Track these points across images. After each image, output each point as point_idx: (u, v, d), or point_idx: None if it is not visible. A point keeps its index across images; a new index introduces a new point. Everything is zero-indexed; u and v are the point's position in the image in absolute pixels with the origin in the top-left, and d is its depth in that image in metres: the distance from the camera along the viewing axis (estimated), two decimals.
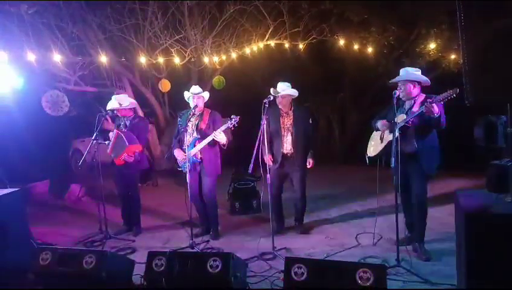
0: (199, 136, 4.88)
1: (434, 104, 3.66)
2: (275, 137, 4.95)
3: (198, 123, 4.95)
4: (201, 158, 4.92)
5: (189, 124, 4.92)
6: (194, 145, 4.87)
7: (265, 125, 4.44)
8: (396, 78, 4.12)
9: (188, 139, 4.84)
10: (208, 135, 4.80)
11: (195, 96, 4.93)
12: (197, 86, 5.06)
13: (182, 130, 4.81)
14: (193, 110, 4.86)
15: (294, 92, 4.94)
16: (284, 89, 4.87)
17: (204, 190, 5.03)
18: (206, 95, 5.08)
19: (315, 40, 8.24)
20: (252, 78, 9.99)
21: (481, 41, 2.67)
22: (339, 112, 11.36)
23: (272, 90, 4.83)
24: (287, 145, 4.94)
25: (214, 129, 4.82)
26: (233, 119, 4.65)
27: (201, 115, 4.99)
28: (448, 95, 3.60)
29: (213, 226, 5.17)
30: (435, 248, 4.23)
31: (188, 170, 4.76)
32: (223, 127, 4.73)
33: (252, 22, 8.10)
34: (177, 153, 4.99)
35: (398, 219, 3.92)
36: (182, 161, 4.93)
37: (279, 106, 4.97)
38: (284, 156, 4.95)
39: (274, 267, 4.06)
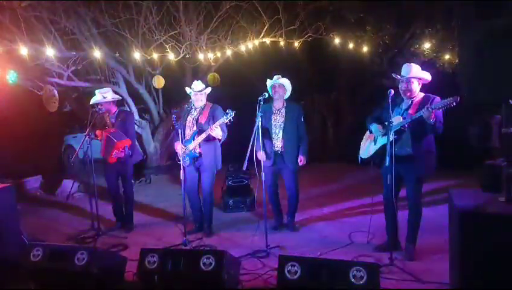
0: (198, 130, 4.89)
1: (434, 111, 3.60)
2: (266, 134, 4.95)
3: (198, 117, 4.96)
4: (199, 153, 4.92)
5: (189, 118, 4.97)
6: (194, 139, 4.88)
7: (259, 123, 4.45)
8: (407, 74, 3.96)
9: (187, 133, 4.91)
10: (206, 129, 4.80)
11: (198, 93, 4.94)
12: (200, 82, 5.05)
13: (177, 126, 4.79)
14: (190, 106, 4.94)
15: (288, 85, 4.95)
16: (279, 78, 4.91)
17: (202, 185, 5.06)
18: (209, 90, 5.08)
19: (310, 38, 8.23)
20: (247, 76, 9.96)
21: (476, 42, 2.68)
22: (333, 111, 11.36)
23: (268, 81, 4.93)
24: (278, 143, 4.97)
25: (213, 123, 4.83)
26: (229, 114, 4.65)
27: (202, 109, 5.00)
28: (448, 103, 3.50)
29: (207, 223, 5.16)
30: (427, 247, 4.24)
31: (186, 165, 4.80)
32: (219, 122, 4.72)
33: (248, 19, 8.07)
34: (177, 147, 4.97)
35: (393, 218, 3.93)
36: (182, 155, 4.91)
37: (274, 97, 4.98)
38: (276, 153, 4.98)
39: (267, 265, 4.06)
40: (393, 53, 9.13)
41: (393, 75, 4.10)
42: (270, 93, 4.98)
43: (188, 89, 5.05)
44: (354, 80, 10.31)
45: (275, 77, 4.98)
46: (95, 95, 5.34)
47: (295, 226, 5.23)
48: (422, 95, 4.01)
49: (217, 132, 4.75)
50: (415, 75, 3.96)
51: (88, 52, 7.38)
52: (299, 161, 4.97)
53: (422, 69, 4.05)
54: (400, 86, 4.02)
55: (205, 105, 5.03)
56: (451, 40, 7.90)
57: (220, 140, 4.91)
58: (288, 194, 5.16)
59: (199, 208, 5.18)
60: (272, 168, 4.99)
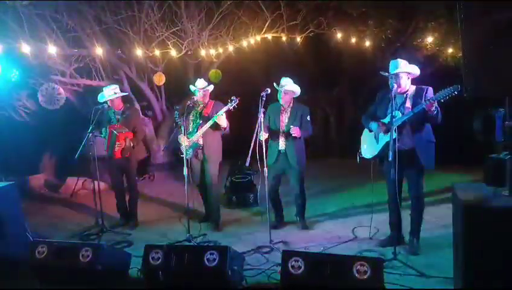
0: (201, 122, 4.98)
1: (435, 102, 3.59)
2: (273, 134, 4.92)
3: (201, 111, 5.08)
4: (202, 144, 4.99)
5: (193, 112, 5.09)
6: (197, 130, 4.96)
7: (262, 118, 4.45)
8: (395, 69, 3.97)
9: (191, 126, 5.01)
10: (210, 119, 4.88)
11: (201, 90, 5.04)
12: (202, 80, 5.14)
13: (180, 122, 4.83)
14: (193, 102, 4.98)
15: (297, 89, 4.91)
16: (287, 84, 4.87)
17: (206, 176, 5.13)
18: (211, 88, 5.17)
19: (313, 34, 8.19)
20: (249, 72, 9.94)
21: (480, 35, 2.66)
22: (336, 106, 11.33)
23: (275, 85, 4.87)
24: (282, 142, 4.91)
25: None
26: (233, 101, 4.74)
27: (205, 104, 5.11)
28: (450, 93, 3.50)
29: (215, 218, 5.23)
30: (431, 241, 4.25)
31: (189, 157, 4.87)
32: (224, 109, 4.80)
33: (249, 15, 8.04)
34: (182, 140, 5.00)
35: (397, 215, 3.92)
36: (185, 147, 4.91)
37: (281, 102, 4.93)
38: (280, 152, 4.92)
39: (271, 260, 4.07)
40: (396, 47, 9.09)
41: (381, 73, 4.09)
42: (279, 97, 4.92)
43: (192, 87, 5.14)
44: (356, 75, 10.26)
45: (282, 81, 4.88)
46: (101, 92, 5.33)
47: (306, 225, 5.11)
48: (414, 87, 4.03)
49: (222, 119, 4.82)
50: (403, 70, 3.97)
51: (90, 50, 7.38)
52: (291, 128, 4.73)
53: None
54: (389, 83, 4.01)
55: (208, 101, 5.13)
56: (454, 33, 7.85)
57: (224, 128, 4.96)
58: (294, 195, 5.09)
59: (205, 198, 5.42)
60: (275, 167, 4.93)
